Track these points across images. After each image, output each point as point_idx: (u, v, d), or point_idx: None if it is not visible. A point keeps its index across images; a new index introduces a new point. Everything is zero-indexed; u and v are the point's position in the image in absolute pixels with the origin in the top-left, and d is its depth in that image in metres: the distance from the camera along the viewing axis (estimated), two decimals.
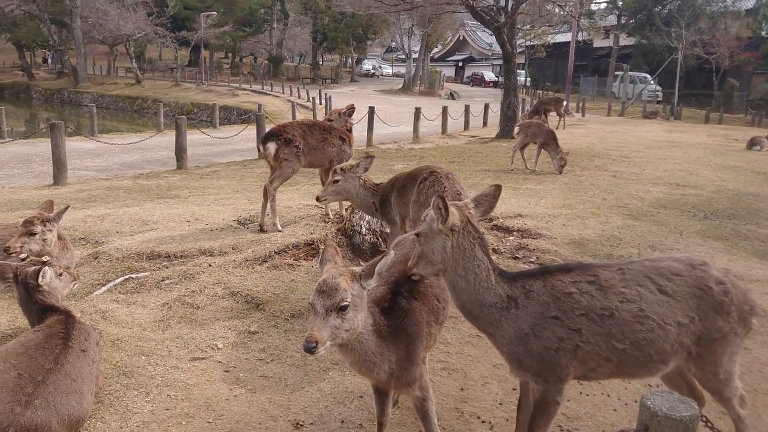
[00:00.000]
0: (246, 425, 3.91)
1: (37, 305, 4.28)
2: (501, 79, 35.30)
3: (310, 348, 2.64)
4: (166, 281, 5.80)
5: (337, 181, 5.72)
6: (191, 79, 55.48)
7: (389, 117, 26.00)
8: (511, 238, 7.71)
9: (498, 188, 3.24)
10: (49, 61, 73.72)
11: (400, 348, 3.10)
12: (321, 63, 72.88)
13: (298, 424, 3.97)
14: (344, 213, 7.42)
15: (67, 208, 5.50)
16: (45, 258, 4.57)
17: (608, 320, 2.92)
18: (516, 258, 7.05)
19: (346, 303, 2.74)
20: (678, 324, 2.98)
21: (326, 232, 6.84)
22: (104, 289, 5.60)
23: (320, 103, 36.06)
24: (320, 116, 28.95)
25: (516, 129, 13.76)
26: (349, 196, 5.87)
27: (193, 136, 15.24)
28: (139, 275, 5.86)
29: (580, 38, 50.44)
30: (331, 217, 7.36)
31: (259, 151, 15.61)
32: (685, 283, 3.05)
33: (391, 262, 3.01)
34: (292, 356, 4.78)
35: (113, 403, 3.99)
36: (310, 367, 4.63)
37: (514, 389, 4.47)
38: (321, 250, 3.16)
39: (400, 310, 3.19)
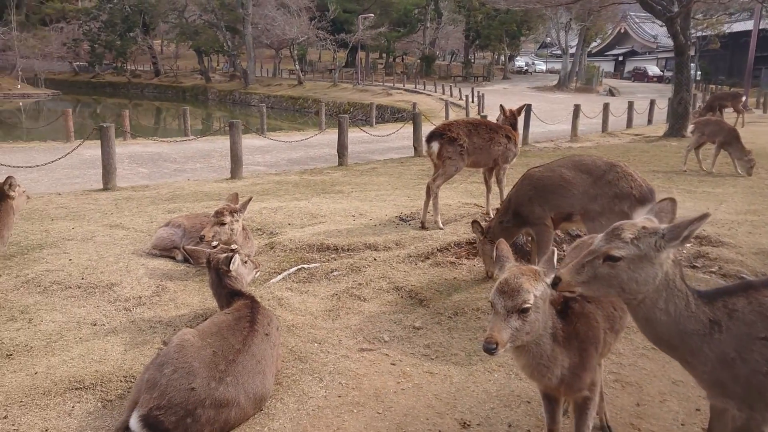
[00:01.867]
0: (413, 419, 3.97)
1: (225, 289, 4.67)
2: (666, 74, 32.68)
3: (490, 349, 2.61)
4: (335, 273, 6.06)
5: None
6: (348, 79, 57.78)
7: (544, 114, 25.19)
8: (688, 245, 7.11)
9: (674, 202, 2.90)
10: (223, 66, 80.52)
11: (574, 354, 2.96)
12: (473, 61, 72.51)
13: (465, 423, 3.96)
14: (489, 210, 7.31)
15: (250, 199, 5.95)
16: (234, 246, 4.96)
17: None
18: (694, 267, 6.50)
19: (528, 305, 2.67)
20: None
21: None
22: (280, 277, 5.97)
23: (473, 102, 35.85)
24: (473, 114, 28.77)
25: (691, 127, 12.68)
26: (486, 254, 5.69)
27: (351, 134, 15.85)
28: (310, 266, 6.18)
29: (762, 26, 45.42)
30: (492, 216, 7.25)
31: (414, 149, 15.96)
32: None
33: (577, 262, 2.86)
34: (456, 354, 4.78)
35: (290, 386, 4.23)
36: (475, 367, 4.60)
37: (697, 410, 4.11)
38: (495, 248, 3.06)
39: (574, 314, 3.04)
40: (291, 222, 7.61)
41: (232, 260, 4.68)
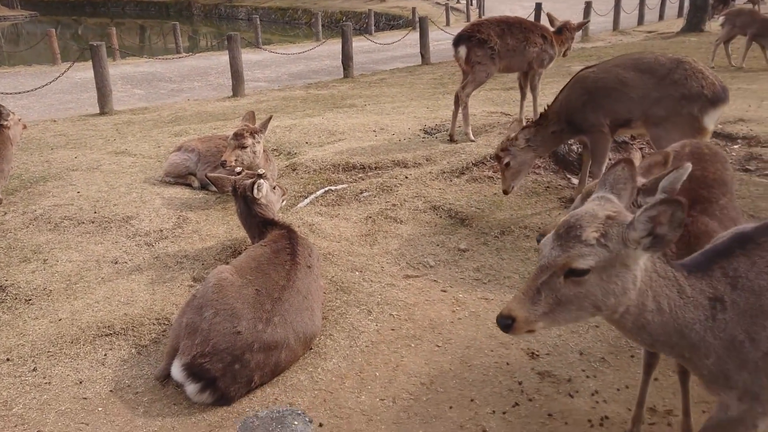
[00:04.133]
0: (477, 352, 3.65)
1: (256, 219, 4.24)
2: None
3: None
4: (365, 194, 5.62)
5: (508, 164, 4.87)
6: None
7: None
8: (736, 146, 6.64)
9: (631, 166, 2.12)
10: None
11: None
12: None
13: (533, 353, 3.64)
14: (522, 118, 6.76)
15: (270, 118, 5.42)
16: (260, 171, 4.50)
17: None
18: (747, 170, 6.06)
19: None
20: None
21: None
22: (307, 201, 5.54)
23: (472, 4, 34.18)
24: (473, 19, 27.43)
25: (721, 19, 11.85)
26: (526, 164, 4.95)
27: (353, 44, 14.94)
28: (337, 187, 5.74)
29: None
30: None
31: (422, 56, 15.11)
32: None
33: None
34: (509, 277, 4.43)
35: (338, 321, 3.89)
36: None
37: None
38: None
39: (691, 232, 2.62)
40: (308, 140, 7.10)
41: (257, 186, 4.23)
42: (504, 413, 3.20)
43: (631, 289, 1.94)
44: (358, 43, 18.63)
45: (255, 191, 4.20)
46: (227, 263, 3.95)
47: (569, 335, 3.81)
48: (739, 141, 6.73)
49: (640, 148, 5.98)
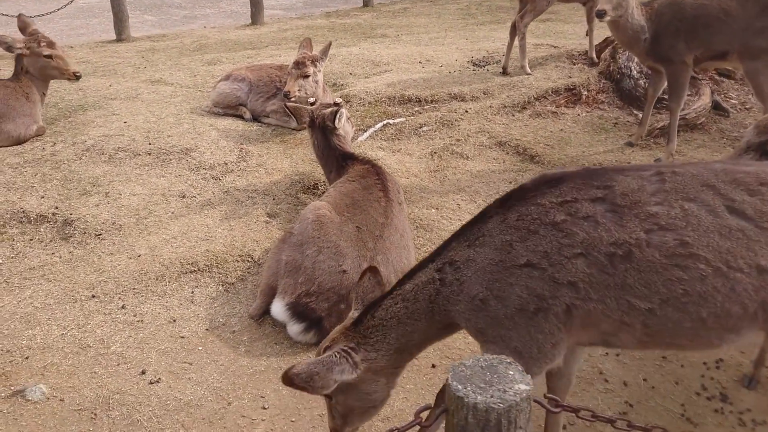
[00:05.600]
0: None
1: (336, 151, 4.05)
2: None
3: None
4: (424, 128, 5.40)
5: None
6: None
7: None
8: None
9: (376, 274, 2.35)
10: None
11: None
12: None
13: None
14: (593, 55, 6.45)
15: (330, 44, 5.13)
16: (338, 100, 4.27)
17: (622, 263, 1.83)
18: None
19: None
20: (759, 269, 1.82)
21: (587, 75, 6.01)
22: (367, 134, 5.32)
23: None
24: None
25: None
26: (624, 20, 4.53)
27: None
28: (395, 121, 5.51)
29: None
30: (596, 59, 6.32)
31: None
32: None
33: None
34: None
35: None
36: None
37: None
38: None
39: None
40: (352, 71, 6.79)
41: (338, 115, 4.01)
42: (618, 355, 3.13)
43: (382, 391, 2.19)
44: None
45: (336, 121, 3.98)
46: (305, 198, 3.78)
47: None
48: None
49: (708, 85, 5.76)
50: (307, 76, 4.83)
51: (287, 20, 11.26)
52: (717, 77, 5.95)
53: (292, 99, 4.75)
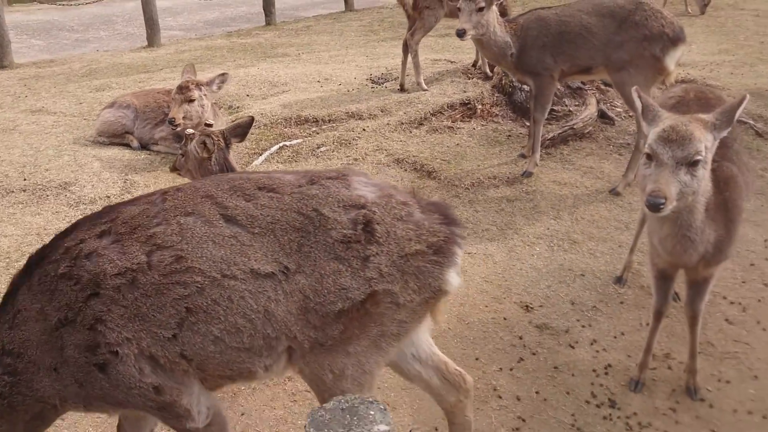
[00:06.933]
0: (472, 308, 3.56)
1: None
2: None
3: (658, 204, 2.19)
4: (322, 148, 5.33)
5: (481, 8, 4.49)
6: None
7: None
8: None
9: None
10: None
11: (720, 225, 2.54)
12: None
13: (526, 306, 3.60)
14: (487, 69, 6.61)
15: (223, 74, 4.95)
16: (209, 121, 4.12)
17: (131, 292, 1.78)
18: None
19: (699, 157, 2.24)
20: (253, 274, 1.80)
21: (480, 89, 6.13)
22: (262, 158, 5.18)
23: None
24: None
25: None
26: (487, 37, 4.61)
27: None
28: (292, 142, 5.41)
29: None
30: (489, 73, 6.47)
31: (345, 2, 14.54)
32: (280, 204, 1.87)
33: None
34: (488, 230, 4.35)
35: None
36: (512, 242, 4.20)
37: (752, 264, 3.96)
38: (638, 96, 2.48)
39: (721, 179, 2.58)
40: (249, 93, 6.64)
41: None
42: (511, 369, 3.15)
43: None
44: None
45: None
46: None
47: (558, 285, 3.79)
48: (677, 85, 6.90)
49: (593, 94, 6.00)
50: (192, 101, 4.65)
51: (186, 41, 10.95)
52: (603, 87, 6.20)
53: (178, 125, 4.56)
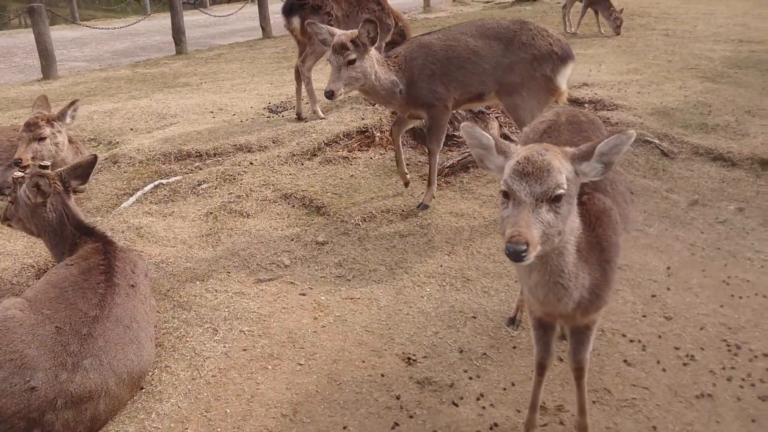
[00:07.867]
0: (347, 365, 3.14)
1: (72, 222, 3.37)
2: None
3: (520, 252, 1.80)
4: (203, 185, 4.86)
5: (352, 61, 4.00)
6: None
7: None
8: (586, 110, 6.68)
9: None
10: None
11: (595, 268, 2.20)
12: None
13: (409, 358, 3.20)
14: None
15: (73, 102, 4.46)
16: (44, 162, 3.61)
17: None
18: None
19: (562, 191, 1.89)
20: None
21: (379, 116, 5.79)
22: (133, 199, 4.67)
23: None
24: None
25: None
26: (369, 85, 4.15)
27: (187, 18, 13.56)
28: (170, 180, 4.92)
29: None
30: None
31: (263, 29, 14.17)
32: None
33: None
34: (375, 270, 3.95)
35: (176, 347, 3.19)
36: (401, 283, 3.82)
37: (653, 296, 3.69)
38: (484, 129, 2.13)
39: (592, 213, 2.25)
40: (133, 126, 6.12)
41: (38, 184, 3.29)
42: None
43: None
44: (194, 17, 17.25)
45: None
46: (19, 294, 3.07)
47: (446, 331, 3.41)
48: (586, 105, 6.78)
49: (496, 117, 5.76)
50: (42, 139, 4.13)
51: (86, 73, 10.30)
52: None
53: (27, 167, 4.02)
